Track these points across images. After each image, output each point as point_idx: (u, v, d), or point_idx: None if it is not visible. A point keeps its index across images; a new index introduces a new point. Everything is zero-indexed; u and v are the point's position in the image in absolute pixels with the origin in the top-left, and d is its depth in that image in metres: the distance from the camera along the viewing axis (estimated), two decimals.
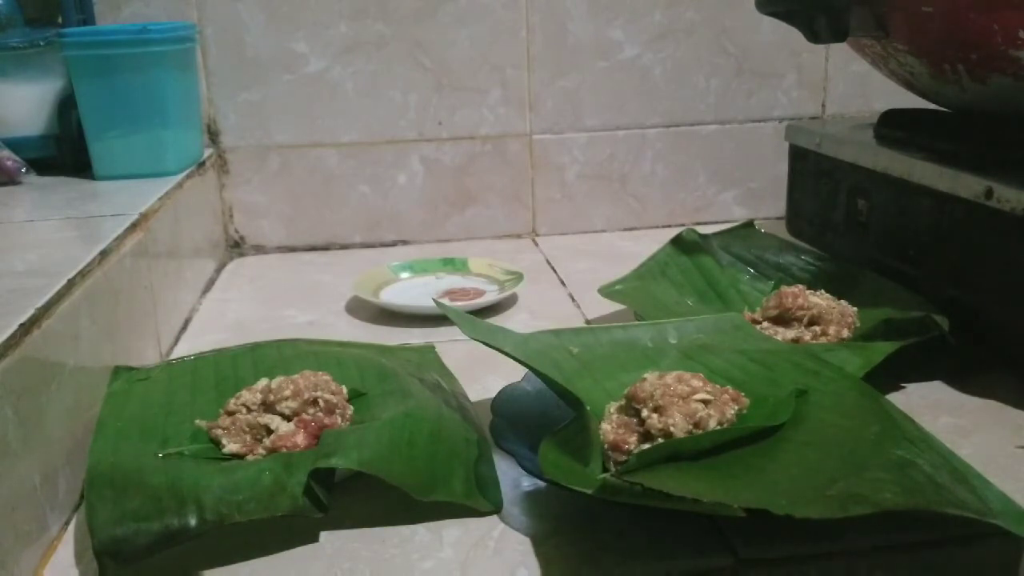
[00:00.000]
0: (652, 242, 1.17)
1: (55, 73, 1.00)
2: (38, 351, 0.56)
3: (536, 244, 1.21)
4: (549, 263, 1.12)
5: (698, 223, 1.24)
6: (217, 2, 1.11)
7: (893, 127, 0.91)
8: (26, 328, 0.55)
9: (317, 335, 0.89)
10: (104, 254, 0.70)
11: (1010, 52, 0.72)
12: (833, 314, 0.78)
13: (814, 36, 0.81)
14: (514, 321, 0.93)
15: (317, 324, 0.94)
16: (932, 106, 0.89)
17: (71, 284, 0.63)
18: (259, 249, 1.20)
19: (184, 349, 0.88)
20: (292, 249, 1.20)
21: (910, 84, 0.86)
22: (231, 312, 0.98)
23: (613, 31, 1.17)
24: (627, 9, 1.16)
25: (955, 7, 0.74)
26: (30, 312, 0.56)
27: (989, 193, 0.71)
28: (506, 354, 0.64)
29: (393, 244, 1.21)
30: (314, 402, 0.62)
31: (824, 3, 0.78)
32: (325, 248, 1.20)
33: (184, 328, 0.93)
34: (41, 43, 1.00)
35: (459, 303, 0.94)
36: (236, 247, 1.19)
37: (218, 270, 1.12)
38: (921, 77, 0.82)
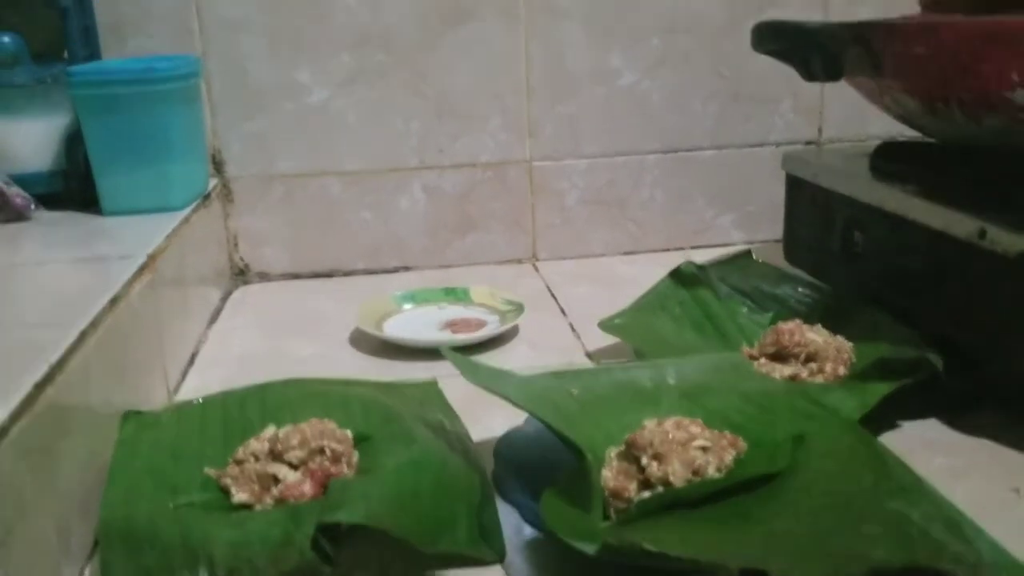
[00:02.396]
0: (651, 266, 1.19)
1: (62, 108, 1.01)
2: (51, 407, 0.57)
3: (536, 269, 1.22)
4: (549, 290, 1.13)
5: (696, 246, 1.26)
6: (220, 34, 1.12)
7: (888, 160, 0.92)
8: (40, 387, 0.56)
9: (321, 369, 0.90)
10: (114, 301, 0.72)
11: (1003, 93, 0.73)
12: (829, 351, 0.80)
13: (809, 75, 0.82)
14: (515, 353, 0.94)
15: (321, 357, 0.95)
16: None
17: (83, 336, 0.64)
18: (263, 276, 1.21)
19: (191, 385, 0.89)
20: (296, 276, 1.21)
21: (904, 119, 0.87)
22: (237, 344, 0.99)
23: (611, 58, 1.18)
24: (624, 37, 1.18)
25: (948, 49, 0.75)
26: (44, 370, 0.57)
27: (982, 234, 0.72)
28: (508, 400, 0.65)
29: (395, 270, 1.23)
30: (320, 451, 0.64)
31: (818, 45, 0.80)
32: (328, 275, 1.22)
33: (191, 362, 0.94)
34: (48, 80, 1.01)
35: (461, 335, 0.96)
36: (241, 275, 1.21)
37: (223, 299, 1.14)
38: (915, 113, 0.83)
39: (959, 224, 0.75)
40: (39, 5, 1.00)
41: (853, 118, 1.23)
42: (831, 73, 0.81)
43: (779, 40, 0.84)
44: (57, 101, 1.01)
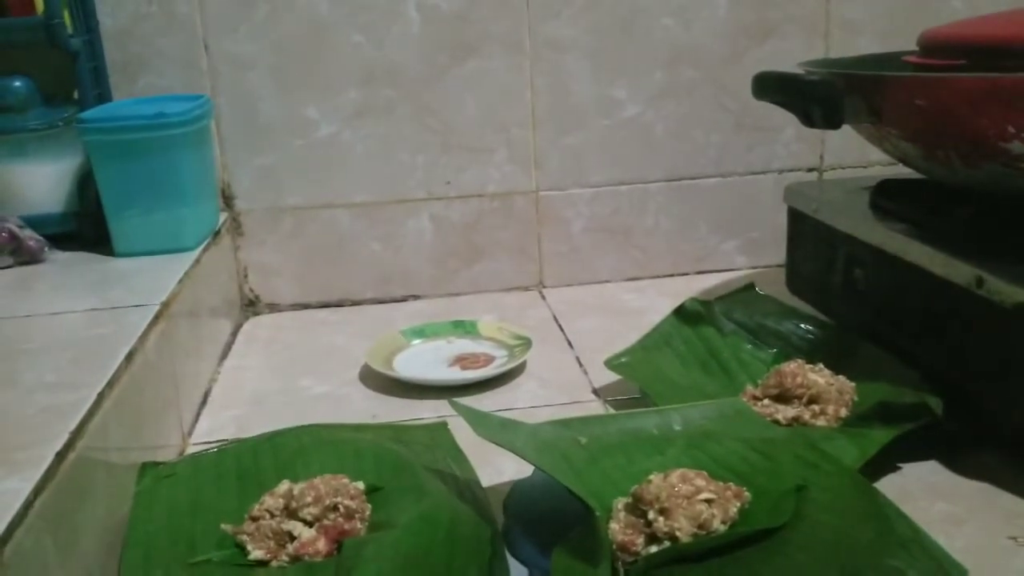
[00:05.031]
0: (656, 292, 1.20)
1: (73, 150, 1.03)
2: (72, 473, 0.59)
3: (543, 297, 1.23)
4: (556, 320, 1.15)
5: (701, 272, 1.27)
6: (229, 71, 1.14)
7: (889, 198, 0.93)
8: (61, 455, 0.58)
9: (333, 408, 0.92)
10: (130, 356, 0.73)
11: (1000, 144, 0.74)
12: (831, 393, 0.81)
13: (810, 123, 0.83)
14: (523, 390, 0.95)
15: (332, 396, 0.96)
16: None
17: (101, 397, 0.66)
18: (273, 307, 1.23)
19: (205, 426, 0.91)
20: (305, 306, 1.23)
21: (904, 162, 0.88)
22: (248, 383, 1.00)
23: (615, 90, 1.20)
24: (629, 69, 1.19)
25: (946, 102, 0.76)
26: (64, 438, 0.59)
27: (980, 282, 0.73)
28: (517, 454, 0.67)
29: (404, 299, 1.24)
30: (334, 508, 0.65)
31: (818, 96, 0.81)
32: (338, 305, 1.23)
33: (204, 402, 0.96)
34: (60, 123, 1.03)
35: (470, 372, 0.97)
36: (251, 306, 1.22)
37: (234, 332, 1.15)
38: (915, 158, 0.85)
39: (957, 271, 0.76)
40: (49, 47, 1.01)
41: (855, 145, 1.24)
42: (831, 122, 0.82)
43: (779, 91, 0.85)
44: (68, 143, 1.03)
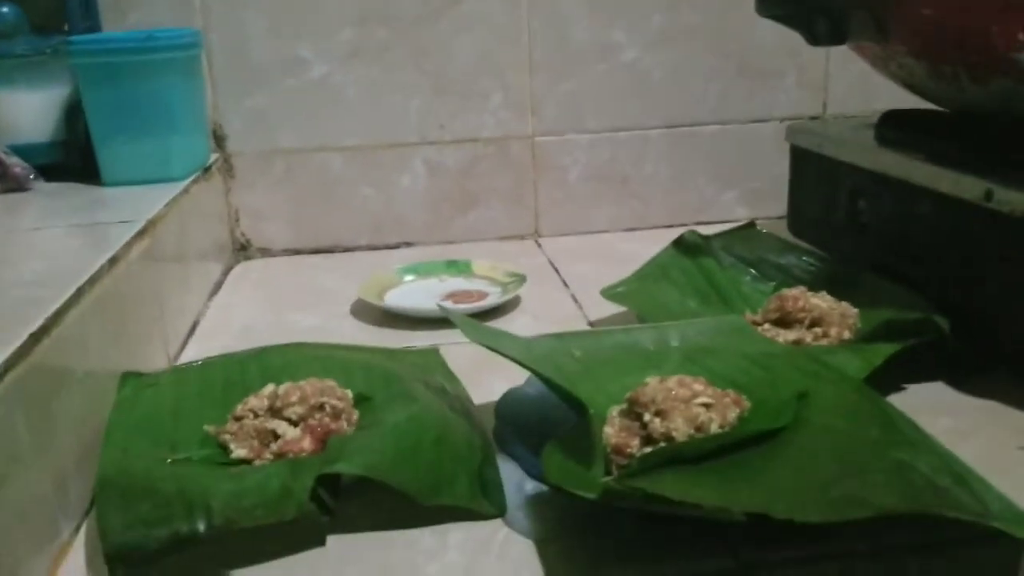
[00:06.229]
0: (654, 242, 1.17)
1: (62, 80, 1.01)
2: (48, 360, 0.57)
3: (539, 245, 1.21)
4: (552, 264, 1.13)
5: (699, 223, 1.25)
6: (222, 9, 1.12)
7: (894, 128, 0.91)
8: (36, 337, 0.56)
9: (323, 339, 0.90)
10: (112, 262, 0.71)
11: (1010, 55, 0.72)
12: (834, 316, 0.79)
13: (814, 39, 0.81)
14: (517, 324, 0.93)
15: (323, 328, 0.94)
16: (933, 106, 0.90)
17: (80, 293, 0.63)
18: (265, 252, 1.21)
19: (191, 354, 0.89)
20: (297, 252, 1.21)
21: (910, 85, 0.86)
22: (237, 316, 0.99)
23: (613, 34, 1.18)
24: (627, 12, 1.17)
25: (955, 10, 0.74)
26: (40, 321, 0.57)
27: (989, 195, 0.71)
28: (509, 358, 0.64)
29: (397, 246, 1.22)
30: (320, 407, 0.63)
31: (823, 6, 0.79)
32: (330, 251, 1.21)
33: (191, 333, 0.94)
34: (47, 51, 1.01)
35: (462, 305, 0.95)
36: (242, 250, 1.20)
37: (224, 273, 1.13)
38: (921, 79, 0.83)
39: (965, 187, 0.74)
40: None
41: (858, 92, 1.22)
42: (836, 37, 0.80)
43: (783, 3, 0.83)
44: (57, 72, 1.01)
